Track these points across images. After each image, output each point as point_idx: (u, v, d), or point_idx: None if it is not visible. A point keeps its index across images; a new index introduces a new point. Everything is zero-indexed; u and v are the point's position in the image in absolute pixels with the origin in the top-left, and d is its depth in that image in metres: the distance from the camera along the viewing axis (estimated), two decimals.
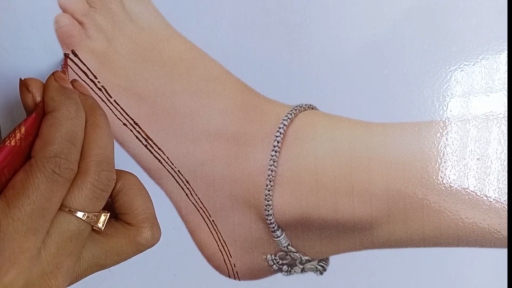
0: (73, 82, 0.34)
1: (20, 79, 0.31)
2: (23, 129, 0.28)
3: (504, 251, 0.38)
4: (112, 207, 0.32)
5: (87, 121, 0.30)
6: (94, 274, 0.31)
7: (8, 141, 0.28)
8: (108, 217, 0.30)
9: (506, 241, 0.37)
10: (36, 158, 0.27)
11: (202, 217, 0.38)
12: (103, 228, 0.30)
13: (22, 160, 0.28)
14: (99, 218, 0.30)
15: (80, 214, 0.28)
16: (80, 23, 0.37)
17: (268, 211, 0.38)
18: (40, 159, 0.27)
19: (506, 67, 0.37)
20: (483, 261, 0.38)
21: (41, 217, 0.27)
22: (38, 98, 0.30)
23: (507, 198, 0.37)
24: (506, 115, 0.37)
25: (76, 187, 0.28)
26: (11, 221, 0.26)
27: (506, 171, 0.37)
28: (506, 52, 0.37)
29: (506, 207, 0.37)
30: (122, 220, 0.32)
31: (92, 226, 0.29)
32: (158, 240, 0.32)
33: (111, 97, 0.37)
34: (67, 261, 0.28)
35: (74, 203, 0.28)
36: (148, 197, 0.33)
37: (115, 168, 0.31)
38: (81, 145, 0.29)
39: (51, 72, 0.33)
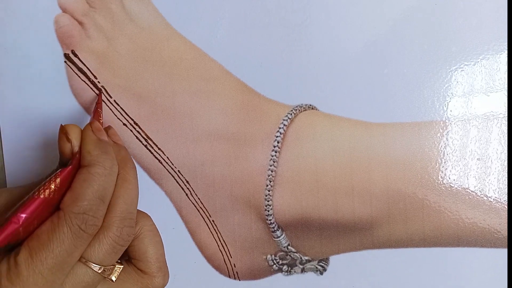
0: (107, 129, 0.34)
1: (61, 125, 0.31)
2: (58, 181, 0.28)
3: (504, 251, 0.38)
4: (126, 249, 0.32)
5: (118, 174, 0.30)
6: None
7: (43, 193, 0.27)
8: (121, 269, 0.30)
9: (506, 241, 0.37)
10: (65, 211, 0.27)
11: (202, 217, 0.38)
12: (115, 280, 0.30)
13: (52, 210, 0.28)
14: (113, 270, 0.30)
15: (96, 268, 0.28)
16: (80, 23, 0.37)
17: (268, 211, 0.38)
18: (69, 214, 0.27)
19: (506, 67, 0.37)
20: (483, 261, 0.38)
21: (60, 270, 0.27)
22: (76, 148, 0.30)
23: (507, 198, 0.37)
24: (506, 115, 0.37)
25: (97, 242, 0.28)
26: (32, 273, 0.26)
27: (506, 171, 0.37)
28: (506, 52, 0.37)
29: (506, 207, 0.37)
30: (135, 266, 0.32)
31: (105, 277, 0.29)
32: (166, 285, 0.33)
33: (111, 97, 0.37)
34: None
35: (93, 256, 0.28)
36: (161, 243, 0.33)
37: None
38: (109, 200, 0.29)
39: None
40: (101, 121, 0.35)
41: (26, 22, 0.37)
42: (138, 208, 0.32)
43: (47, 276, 0.26)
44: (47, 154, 0.38)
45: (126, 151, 0.33)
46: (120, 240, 0.29)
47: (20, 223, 0.26)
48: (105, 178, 0.28)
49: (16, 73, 0.38)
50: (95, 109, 0.35)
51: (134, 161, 0.37)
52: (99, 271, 0.28)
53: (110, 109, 0.37)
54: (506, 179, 0.37)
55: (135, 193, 0.31)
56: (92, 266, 0.28)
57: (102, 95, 0.37)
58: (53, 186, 0.28)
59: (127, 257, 0.32)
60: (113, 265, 0.29)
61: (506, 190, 0.37)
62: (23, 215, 0.27)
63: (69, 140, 0.30)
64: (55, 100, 0.38)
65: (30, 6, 0.37)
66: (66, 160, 0.30)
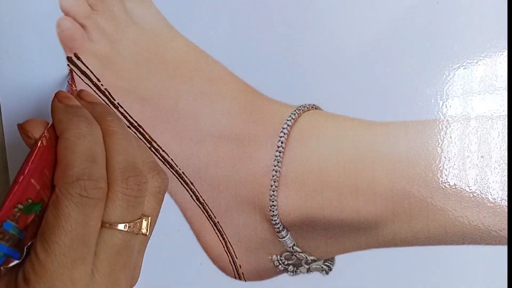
0: (79, 92, 0.33)
1: (18, 125, 0.29)
2: (47, 134, 0.27)
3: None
4: None
5: (103, 132, 0.28)
6: None
7: (40, 142, 0.27)
8: (150, 220, 0.29)
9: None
10: (59, 186, 0.26)
11: (207, 218, 0.38)
12: (148, 233, 0.29)
13: (53, 158, 0.27)
14: (141, 224, 0.28)
15: (121, 226, 0.27)
16: (83, 26, 0.37)
17: (273, 211, 0.38)
18: (64, 186, 0.26)
19: (507, 65, 0.37)
20: (488, 259, 0.38)
21: (83, 244, 0.26)
22: (37, 135, 0.28)
23: (507, 196, 0.37)
24: (507, 113, 0.37)
25: (109, 201, 0.27)
26: (54, 257, 0.25)
27: (507, 169, 0.37)
28: (507, 50, 0.37)
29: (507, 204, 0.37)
30: None
31: (137, 234, 0.28)
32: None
33: (114, 100, 0.37)
34: (123, 274, 0.28)
35: (111, 217, 0.27)
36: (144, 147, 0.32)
37: None
38: (104, 159, 0.28)
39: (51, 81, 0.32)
40: (73, 89, 0.33)
41: (28, 26, 0.37)
42: None
43: (70, 254, 0.25)
44: None
45: (102, 106, 0.31)
46: (130, 191, 0.27)
47: (25, 172, 0.25)
48: (84, 138, 0.27)
49: (18, 76, 0.38)
50: (68, 86, 0.35)
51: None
52: (126, 229, 0.27)
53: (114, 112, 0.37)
54: (507, 177, 0.37)
55: (126, 141, 0.29)
56: (117, 227, 0.27)
57: (107, 98, 0.37)
58: (46, 135, 0.27)
59: None
60: (138, 218, 0.28)
61: (507, 187, 0.37)
62: (26, 167, 0.25)
63: (31, 136, 0.28)
64: None
65: (32, 10, 0.37)
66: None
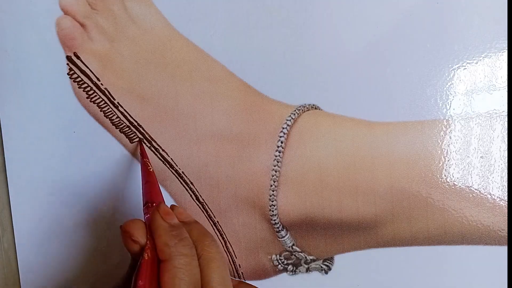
0: (173, 209, 0.32)
1: (122, 228, 0.29)
2: (148, 243, 0.28)
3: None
4: None
5: (199, 256, 0.29)
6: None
7: (146, 254, 0.28)
8: None
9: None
10: None
11: (207, 218, 0.38)
12: None
13: (157, 266, 0.28)
14: None
15: None
16: (82, 25, 0.37)
17: (273, 211, 0.38)
18: None
19: (507, 65, 0.37)
20: (487, 259, 0.38)
21: None
22: (143, 241, 0.29)
23: (507, 196, 0.37)
24: (507, 113, 0.37)
25: None
26: None
27: (507, 169, 0.37)
28: (507, 50, 0.37)
29: (507, 204, 0.37)
30: None
31: None
32: None
33: (114, 99, 0.37)
34: None
35: None
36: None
37: None
38: (200, 282, 0.28)
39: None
40: (150, 169, 0.34)
41: (27, 24, 0.37)
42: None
43: None
44: (48, 156, 0.38)
45: (198, 227, 0.31)
46: None
47: None
48: (190, 266, 0.28)
49: (17, 75, 0.37)
50: (142, 161, 0.35)
51: (139, 162, 0.37)
52: None
53: (114, 111, 0.37)
54: (507, 177, 0.37)
55: (223, 267, 0.29)
56: None
57: (107, 98, 0.37)
58: (149, 246, 0.28)
59: None
60: None
61: (507, 187, 0.37)
62: (138, 283, 0.27)
63: (136, 242, 0.29)
64: (57, 103, 0.38)
65: (32, 8, 0.37)
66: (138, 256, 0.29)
